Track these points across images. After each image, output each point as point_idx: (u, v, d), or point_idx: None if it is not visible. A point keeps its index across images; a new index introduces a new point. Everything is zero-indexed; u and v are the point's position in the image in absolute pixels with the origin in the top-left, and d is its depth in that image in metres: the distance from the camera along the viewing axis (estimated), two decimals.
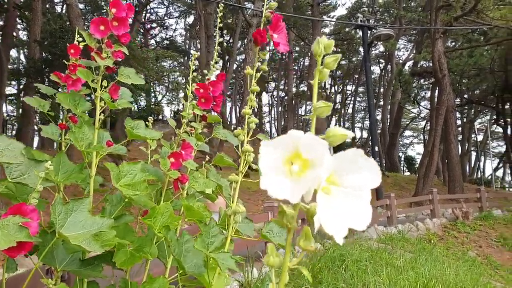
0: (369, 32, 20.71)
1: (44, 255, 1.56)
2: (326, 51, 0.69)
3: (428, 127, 32.34)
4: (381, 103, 43.67)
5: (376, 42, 25.20)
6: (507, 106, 33.55)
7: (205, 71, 2.13)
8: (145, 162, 1.99)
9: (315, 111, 0.67)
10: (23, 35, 28.71)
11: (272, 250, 0.70)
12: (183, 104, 2.05)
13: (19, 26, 28.41)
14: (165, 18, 41.42)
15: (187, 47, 44.51)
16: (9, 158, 1.53)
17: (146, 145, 2.17)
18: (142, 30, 37.57)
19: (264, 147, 0.61)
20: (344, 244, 9.15)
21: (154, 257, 1.74)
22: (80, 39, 2.11)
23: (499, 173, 51.49)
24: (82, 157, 1.86)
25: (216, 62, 2.12)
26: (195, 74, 2.06)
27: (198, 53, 2.35)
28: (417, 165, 37.83)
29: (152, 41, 39.88)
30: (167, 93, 42.50)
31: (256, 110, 1.96)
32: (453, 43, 33.74)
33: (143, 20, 36.67)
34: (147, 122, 2.05)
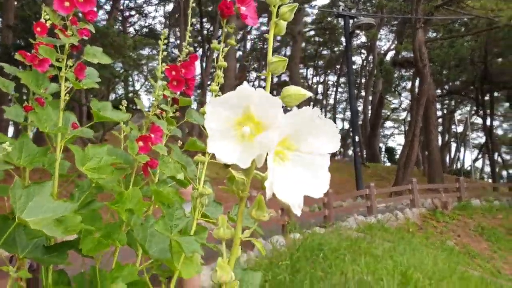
0: (351, 21, 20.68)
1: (4, 242, 1.49)
2: (282, 1, 0.62)
3: (409, 118, 32.52)
4: (363, 93, 43.82)
5: (357, 31, 25.19)
6: (486, 97, 33.88)
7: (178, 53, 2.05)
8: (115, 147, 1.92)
9: (270, 66, 0.60)
10: None
11: (223, 221, 0.63)
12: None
13: None
14: (144, 5, 40.70)
15: (167, 35, 43.85)
16: None
17: (120, 131, 2.10)
18: (120, 18, 37.05)
19: (211, 107, 0.53)
20: (323, 233, 9.18)
21: (123, 244, 1.66)
22: (48, 17, 2.01)
23: (479, 164, 52.16)
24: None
25: (189, 44, 2.03)
26: (165, 53, 1.98)
27: (166, 30, 2.26)
28: (397, 156, 38.09)
29: (131, 29, 39.28)
30: (146, 82, 42.02)
31: None
32: (434, 34, 33.85)
33: (121, 7, 36.17)
34: (120, 106, 1.98)
